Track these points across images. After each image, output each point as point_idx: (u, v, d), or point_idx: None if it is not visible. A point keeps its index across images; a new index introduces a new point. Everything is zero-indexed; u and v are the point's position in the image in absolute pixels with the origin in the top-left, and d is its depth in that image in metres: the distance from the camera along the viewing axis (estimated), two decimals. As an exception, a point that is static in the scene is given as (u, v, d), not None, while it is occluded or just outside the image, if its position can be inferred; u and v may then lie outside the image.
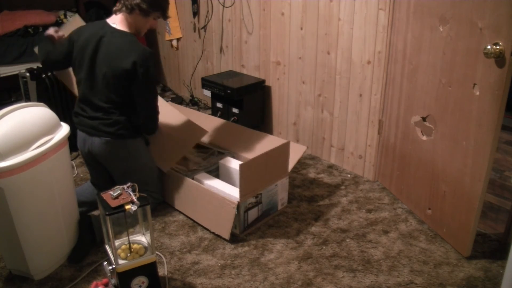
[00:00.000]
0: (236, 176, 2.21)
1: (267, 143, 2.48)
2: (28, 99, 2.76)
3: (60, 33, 2.27)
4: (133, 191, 1.59)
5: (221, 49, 3.47)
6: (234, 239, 2.07)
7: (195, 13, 3.58)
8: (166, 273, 1.85)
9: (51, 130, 1.78)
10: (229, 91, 2.96)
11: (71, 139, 1.93)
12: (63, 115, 2.79)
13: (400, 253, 1.97)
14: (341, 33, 2.51)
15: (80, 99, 2.15)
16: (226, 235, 2.05)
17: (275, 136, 2.90)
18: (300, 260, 1.94)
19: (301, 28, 2.75)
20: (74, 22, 2.68)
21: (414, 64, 2.13)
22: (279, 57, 2.97)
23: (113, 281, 1.64)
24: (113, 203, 1.53)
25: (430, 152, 2.08)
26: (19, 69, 3.14)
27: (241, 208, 2.04)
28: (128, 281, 1.61)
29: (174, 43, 3.98)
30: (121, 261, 1.59)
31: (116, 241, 1.62)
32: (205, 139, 2.69)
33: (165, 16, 2.19)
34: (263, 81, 3.10)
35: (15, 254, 1.76)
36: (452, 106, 1.89)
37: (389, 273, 1.85)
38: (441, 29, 1.90)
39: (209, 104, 3.54)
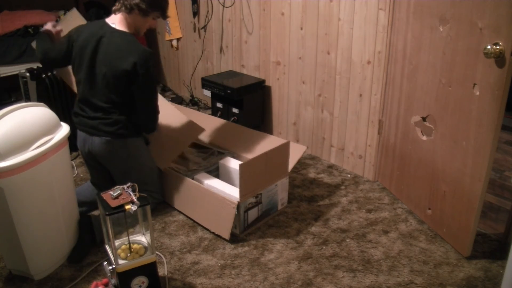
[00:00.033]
0: (236, 176, 2.21)
1: (267, 143, 2.48)
2: (28, 99, 2.76)
3: (58, 28, 2.25)
4: (133, 191, 1.59)
5: (221, 49, 3.47)
6: (234, 239, 2.07)
7: (195, 13, 3.58)
8: (166, 273, 1.85)
9: (51, 130, 1.78)
10: (229, 91, 2.96)
11: (71, 139, 1.93)
12: (63, 115, 2.79)
13: (400, 253, 1.97)
14: (341, 33, 2.51)
15: (80, 99, 2.15)
16: (226, 235, 2.05)
17: (275, 136, 2.90)
18: (300, 260, 1.94)
19: (301, 28, 2.75)
20: (72, 17, 2.67)
21: (414, 64, 2.13)
22: (279, 57, 2.97)
23: (113, 281, 1.64)
24: (113, 203, 1.53)
25: (430, 152, 2.08)
26: (19, 69, 3.14)
27: (241, 208, 2.04)
28: (128, 281, 1.61)
29: (174, 43, 3.98)
30: (121, 261, 1.59)
31: (116, 241, 1.62)
32: (205, 139, 2.69)
33: (164, 16, 2.18)
34: (263, 81, 3.10)
35: (15, 254, 1.76)
36: (452, 106, 1.89)
37: (389, 273, 1.85)
38: (441, 29, 1.90)
39: (209, 104, 3.54)
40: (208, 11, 3.43)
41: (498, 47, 1.59)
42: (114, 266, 1.58)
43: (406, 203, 2.35)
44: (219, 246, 2.03)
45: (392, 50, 2.30)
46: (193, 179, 2.27)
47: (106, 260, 1.70)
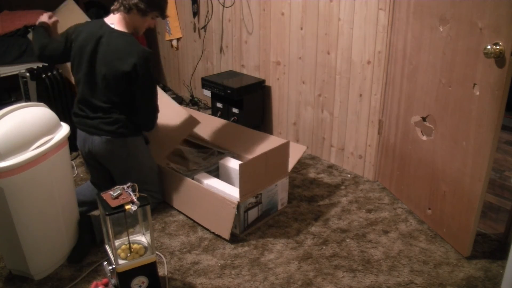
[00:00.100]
0: (236, 176, 2.21)
1: (267, 143, 2.48)
2: (28, 99, 2.76)
3: (54, 19, 2.25)
4: (133, 191, 1.59)
5: (221, 49, 3.47)
6: (234, 239, 2.07)
7: (195, 13, 3.58)
8: (166, 273, 1.85)
9: (51, 130, 1.78)
10: (229, 91, 2.96)
11: (71, 139, 1.93)
12: (63, 115, 2.79)
13: (400, 253, 1.97)
14: (341, 33, 2.51)
15: (79, 100, 2.15)
16: (226, 235, 2.05)
17: (275, 136, 2.89)
18: (300, 260, 1.94)
19: (301, 28, 2.75)
20: (67, 8, 2.64)
21: (414, 64, 2.13)
22: (279, 57, 2.97)
23: (113, 281, 1.64)
24: (113, 203, 1.53)
25: (430, 152, 2.08)
26: (19, 69, 3.14)
27: (241, 208, 2.04)
28: (128, 281, 1.61)
29: (174, 43, 3.98)
30: (121, 261, 1.59)
31: (116, 241, 1.62)
32: (205, 139, 2.69)
33: (163, 15, 2.18)
34: (263, 81, 3.10)
35: (15, 254, 1.76)
36: (452, 106, 1.89)
37: (389, 273, 1.85)
38: (441, 29, 1.90)
39: (209, 104, 3.54)
40: (208, 11, 3.43)
41: (498, 47, 1.59)
42: (114, 266, 1.58)
43: (406, 203, 2.35)
44: (219, 246, 2.03)
45: (392, 50, 2.30)
46: (193, 179, 2.27)
47: (106, 260, 1.70)
